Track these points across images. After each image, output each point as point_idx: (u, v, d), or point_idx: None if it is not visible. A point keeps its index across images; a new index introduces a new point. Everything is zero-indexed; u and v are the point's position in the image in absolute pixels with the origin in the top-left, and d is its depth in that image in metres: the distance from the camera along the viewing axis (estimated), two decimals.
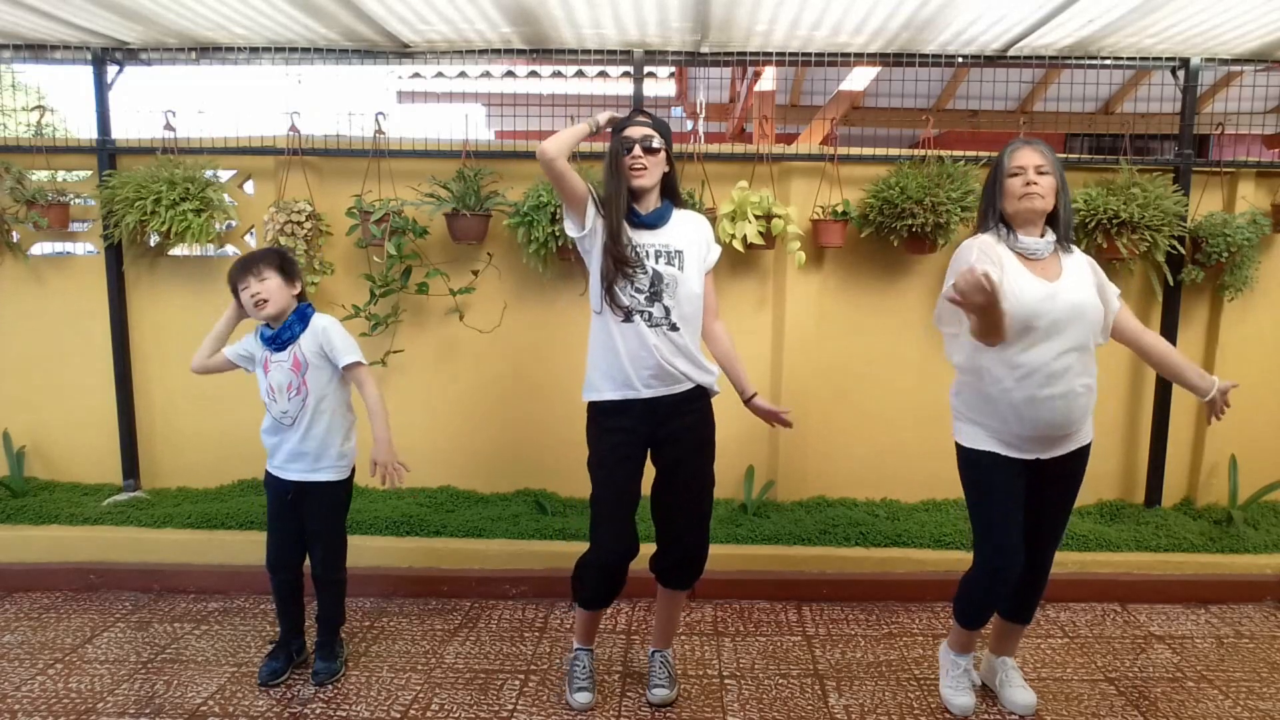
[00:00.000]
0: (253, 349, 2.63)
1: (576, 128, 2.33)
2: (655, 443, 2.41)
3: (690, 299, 2.38)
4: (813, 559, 3.41)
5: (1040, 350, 2.20)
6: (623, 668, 2.78)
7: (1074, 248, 2.35)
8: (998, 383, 2.24)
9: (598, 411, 2.42)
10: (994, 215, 2.33)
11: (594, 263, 2.37)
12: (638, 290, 2.33)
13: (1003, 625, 2.60)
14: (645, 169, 2.32)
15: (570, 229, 2.38)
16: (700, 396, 2.45)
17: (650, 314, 2.33)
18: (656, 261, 2.34)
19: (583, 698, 2.54)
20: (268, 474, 2.66)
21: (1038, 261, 2.27)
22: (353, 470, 2.72)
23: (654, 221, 2.37)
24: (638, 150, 2.31)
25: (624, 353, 2.33)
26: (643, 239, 2.36)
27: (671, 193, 2.45)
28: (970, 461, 2.37)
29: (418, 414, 3.88)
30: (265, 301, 2.50)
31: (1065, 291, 2.22)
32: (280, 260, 2.56)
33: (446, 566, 3.40)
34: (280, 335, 2.54)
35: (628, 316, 2.32)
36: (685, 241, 2.40)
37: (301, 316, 2.57)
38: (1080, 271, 2.30)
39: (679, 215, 2.45)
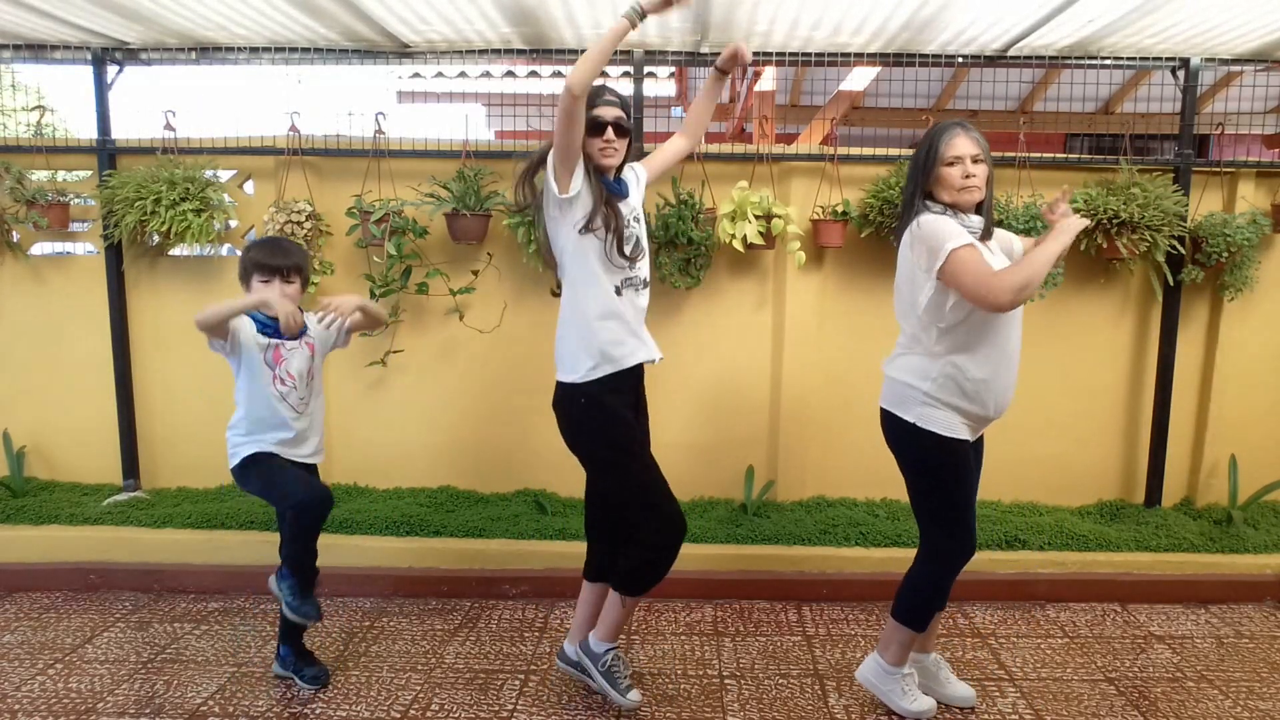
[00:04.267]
0: (243, 337, 2.47)
1: (608, 36, 2.11)
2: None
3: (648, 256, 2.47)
4: (813, 559, 3.41)
5: (1013, 331, 2.30)
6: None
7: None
8: (983, 367, 2.26)
9: (603, 390, 2.33)
10: (920, 199, 2.29)
11: (570, 231, 2.29)
12: (624, 255, 2.34)
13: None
14: (617, 151, 2.30)
15: (555, 186, 2.24)
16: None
17: (633, 279, 2.37)
18: (631, 225, 2.37)
19: (636, 695, 2.49)
20: (265, 454, 2.53)
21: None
22: None
23: (622, 189, 2.39)
24: (611, 134, 2.27)
25: (630, 319, 2.35)
26: (620, 204, 2.37)
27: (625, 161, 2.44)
28: (944, 448, 2.31)
29: (418, 414, 3.88)
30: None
31: None
32: (308, 266, 2.53)
33: (446, 566, 3.40)
34: (285, 332, 2.49)
35: (620, 287, 2.35)
36: (639, 196, 2.45)
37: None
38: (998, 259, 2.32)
39: (627, 172, 2.48)
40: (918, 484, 2.41)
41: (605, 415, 2.34)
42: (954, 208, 2.26)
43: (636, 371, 2.42)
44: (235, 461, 2.57)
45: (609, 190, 2.34)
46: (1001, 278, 2.11)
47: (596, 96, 2.28)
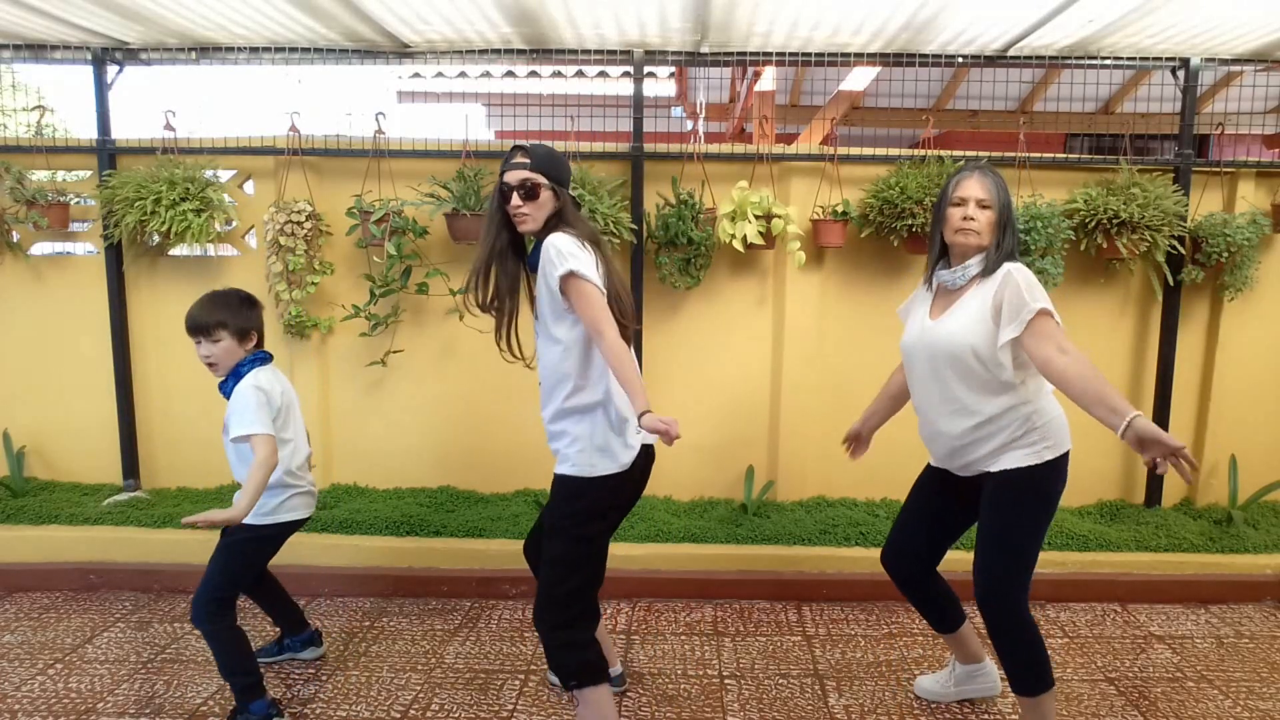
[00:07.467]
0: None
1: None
2: None
3: (543, 347, 2.18)
4: (813, 559, 3.41)
5: (915, 386, 2.31)
6: (622, 668, 2.77)
7: (1007, 266, 2.13)
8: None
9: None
10: (936, 241, 2.29)
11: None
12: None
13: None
14: (528, 215, 2.14)
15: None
16: (555, 483, 2.21)
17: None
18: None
19: None
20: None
21: (952, 293, 2.24)
22: (278, 527, 2.48)
23: (533, 268, 2.21)
24: (515, 199, 2.13)
25: None
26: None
27: (556, 226, 2.16)
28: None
29: (418, 414, 3.88)
30: (215, 366, 2.40)
31: (936, 329, 2.19)
32: (239, 320, 2.40)
33: (446, 566, 3.40)
34: (223, 388, 2.43)
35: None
36: (540, 281, 2.17)
37: (235, 374, 2.41)
38: (976, 302, 2.14)
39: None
40: None
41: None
42: (952, 248, 2.22)
43: None
44: None
45: (530, 269, 2.24)
46: None
47: (506, 162, 2.17)
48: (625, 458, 2.15)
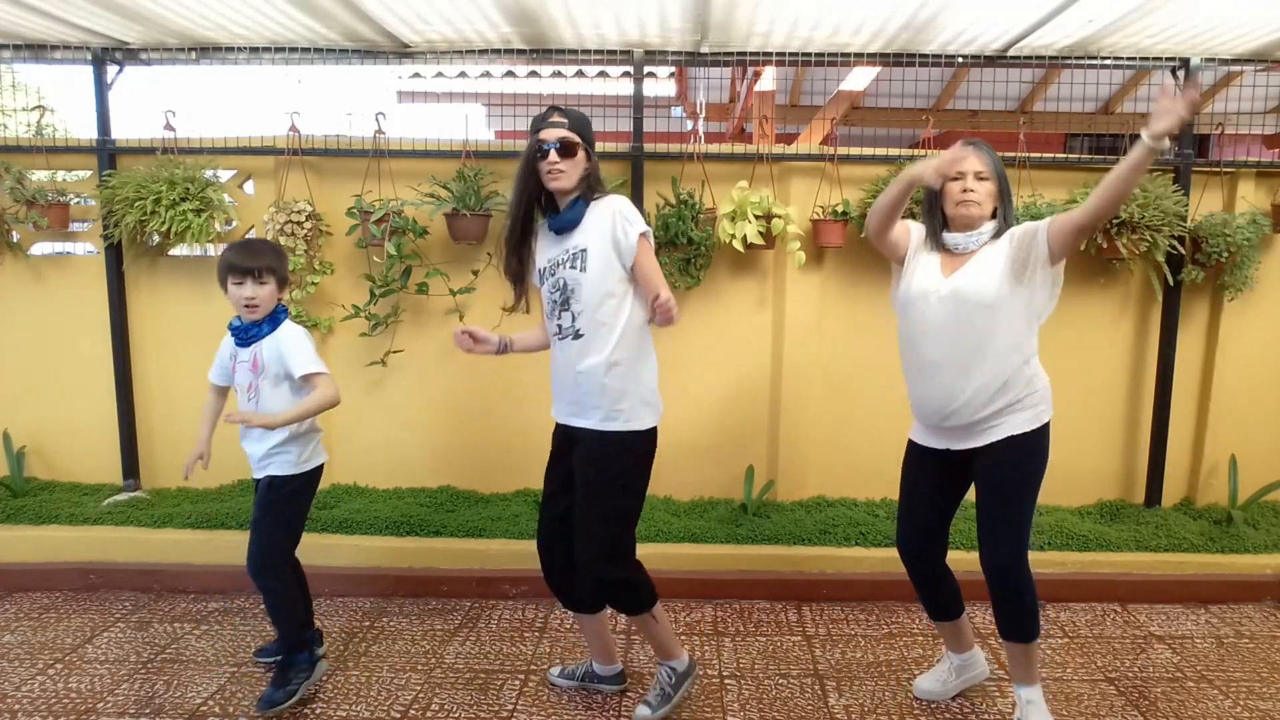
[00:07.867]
0: (224, 351, 2.59)
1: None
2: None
3: (595, 300, 2.25)
4: (813, 559, 3.41)
5: (918, 341, 2.32)
6: (621, 666, 2.77)
7: (1011, 229, 2.29)
8: (906, 372, 2.40)
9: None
10: (935, 214, 2.34)
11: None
12: (551, 303, 2.34)
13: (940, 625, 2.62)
14: (563, 172, 2.24)
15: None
16: (596, 440, 2.31)
17: (560, 326, 2.32)
18: (562, 268, 2.29)
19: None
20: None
21: (959, 256, 2.30)
22: (313, 472, 2.58)
23: (566, 225, 2.28)
24: (554, 155, 2.22)
25: (557, 371, 2.40)
26: (555, 248, 2.32)
27: (589, 186, 2.30)
28: (908, 445, 2.53)
29: (418, 414, 3.88)
30: (257, 308, 2.45)
31: (960, 280, 2.24)
32: (283, 269, 2.51)
33: (446, 566, 3.40)
34: (248, 330, 2.49)
35: (556, 334, 2.36)
36: (591, 237, 2.26)
37: (272, 319, 2.50)
38: (991, 259, 2.24)
39: (593, 208, 2.29)
40: None
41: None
42: (952, 221, 2.32)
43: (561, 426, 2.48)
44: None
45: (554, 226, 2.31)
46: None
47: (541, 121, 2.26)
48: (661, 408, 2.38)
